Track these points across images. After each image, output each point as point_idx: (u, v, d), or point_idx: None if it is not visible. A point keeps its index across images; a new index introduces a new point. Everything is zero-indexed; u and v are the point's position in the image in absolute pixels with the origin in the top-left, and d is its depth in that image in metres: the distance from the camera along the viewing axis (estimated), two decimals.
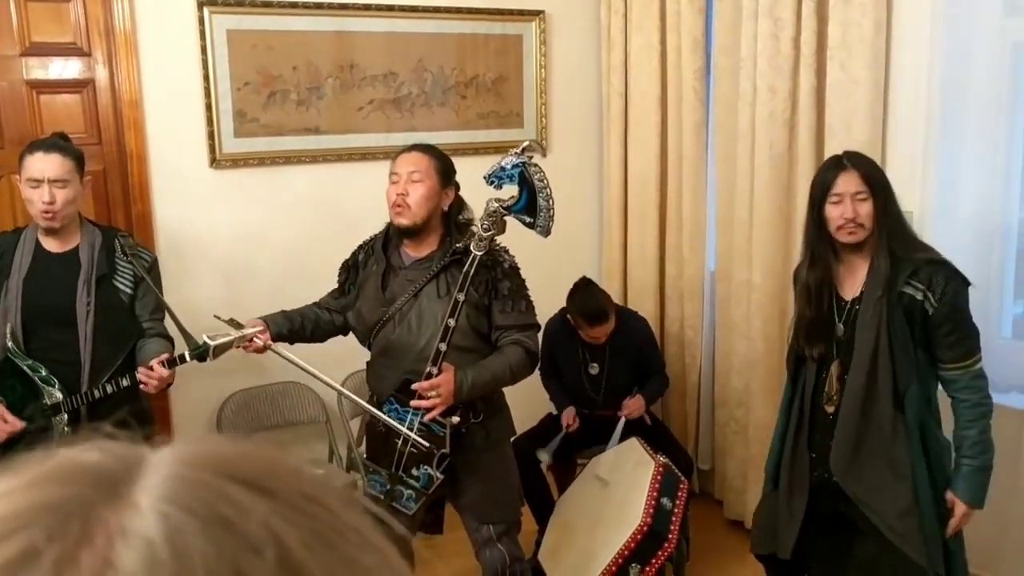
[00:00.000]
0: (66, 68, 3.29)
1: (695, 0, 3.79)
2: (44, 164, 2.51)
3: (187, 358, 2.50)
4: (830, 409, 2.50)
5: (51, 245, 2.63)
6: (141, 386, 2.56)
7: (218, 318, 2.53)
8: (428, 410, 2.41)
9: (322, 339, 2.73)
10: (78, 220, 2.67)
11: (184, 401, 3.53)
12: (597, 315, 3.42)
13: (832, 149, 3.28)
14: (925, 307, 2.33)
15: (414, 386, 2.38)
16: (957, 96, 3.00)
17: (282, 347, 2.56)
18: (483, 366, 2.47)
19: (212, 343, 2.44)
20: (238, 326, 2.49)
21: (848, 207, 2.39)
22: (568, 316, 3.54)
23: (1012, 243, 3.05)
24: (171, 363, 2.53)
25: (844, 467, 2.44)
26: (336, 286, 2.76)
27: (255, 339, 2.47)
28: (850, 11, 3.18)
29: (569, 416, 3.54)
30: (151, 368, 2.51)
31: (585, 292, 3.49)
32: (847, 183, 2.40)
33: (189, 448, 0.43)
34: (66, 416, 2.54)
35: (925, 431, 2.39)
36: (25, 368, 2.53)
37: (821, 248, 2.49)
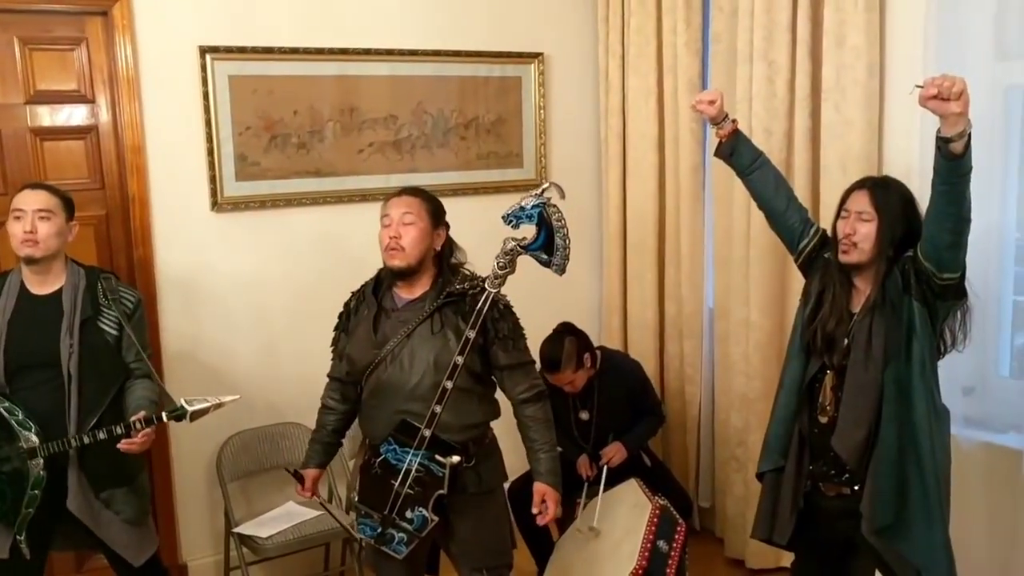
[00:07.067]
0: (71, 115, 3.34)
1: (691, 43, 3.84)
2: (29, 197, 2.63)
3: (164, 418, 2.59)
4: (823, 420, 2.50)
5: (35, 287, 2.66)
6: (124, 449, 2.58)
7: (288, 471, 2.80)
8: (430, 450, 2.44)
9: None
10: (63, 261, 2.70)
11: (184, 443, 3.55)
12: (548, 363, 3.41)
13: (827, 189, 3.32)
14: (912, 259, 2.36)
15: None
16: None
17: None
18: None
19: (190, 408, 2.58)
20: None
21: (849, 224, 2.44)
22: None
23: (1009, 283, 3.05)
24: (147, 422, 2.57)
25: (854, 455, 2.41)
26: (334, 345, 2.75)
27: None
28: (844, 54, 3.22)
29: (585, 465, 3.53)
30: (134, 429, 2.55)
31: (550, 337, 3.49)
32: (855, 201, 2.45)
33: None
34: (42, 461, 2.54)
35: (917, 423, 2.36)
36: (1, 411, 2.54)
37: (832, 262, 2.51)
